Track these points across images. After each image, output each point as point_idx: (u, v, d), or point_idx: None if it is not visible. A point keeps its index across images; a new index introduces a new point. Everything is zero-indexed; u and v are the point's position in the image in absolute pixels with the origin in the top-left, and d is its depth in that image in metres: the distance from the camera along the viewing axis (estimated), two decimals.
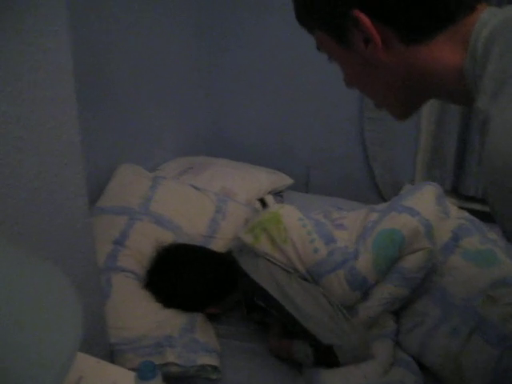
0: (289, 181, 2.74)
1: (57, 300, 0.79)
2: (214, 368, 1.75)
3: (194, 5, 2.82)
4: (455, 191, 2.75)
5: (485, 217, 1.93)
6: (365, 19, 0.89)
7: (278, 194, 2.69)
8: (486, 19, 0.86)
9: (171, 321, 1.83)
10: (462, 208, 2.11)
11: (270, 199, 2.56)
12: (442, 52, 0.90)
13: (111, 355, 1.73)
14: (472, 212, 2.09)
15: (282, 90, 2.90)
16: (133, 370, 1.20)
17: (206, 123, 3.09)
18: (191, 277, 1.90)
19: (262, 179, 2.59)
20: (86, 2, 2.10)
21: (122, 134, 2.43)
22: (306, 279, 1.80)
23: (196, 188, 2.33)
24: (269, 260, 1.80)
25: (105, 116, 2.31)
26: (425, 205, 1.86)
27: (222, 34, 2.92)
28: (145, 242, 2.01)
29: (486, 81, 0.81)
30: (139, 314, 1.83)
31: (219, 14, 2.88)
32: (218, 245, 2.13)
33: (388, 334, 1.77)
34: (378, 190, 2.87)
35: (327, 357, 1.67)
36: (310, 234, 1.85)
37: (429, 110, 2.62)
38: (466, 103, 0.92)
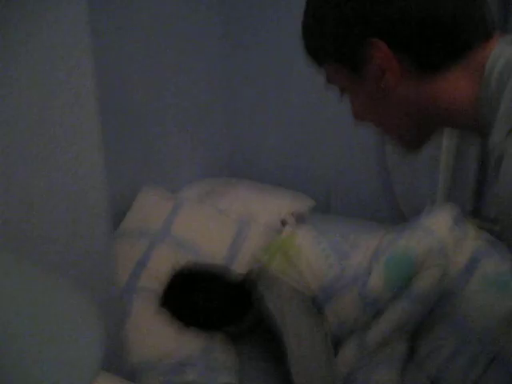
0: (310, 202, 2.74)
1: (78, 321, 0.81)
2: None
3: (217, 31, 2.88)
4: (477, 212, 2.74)
5: None
6: (384, 47, 0.89)
7: (300, 216, 2.70)
8: (501, 50, 0.86)
9: (192, 340, 1.85)
10: (483, 229, 2.09)
11: (291, 221, 2.57)
12: (457, 83, 0.89)
13: (132, 375, 1.75)
14: (494, 233, 2.07)
15: (302, 111, 2.92)
16: None
17: (226, 145, 3.11)
18: (208, 296, 1.91)
19: (283, 201, 2.60)
20: (109, 29, 2.15)
21: (144, 157, 2.47)
22: (316, 301, 1.80)
23: (217, 210, 2.36)
24: (282, 286, 1.81)
25: (127, 140, 2.35)
26: (440, 225, 1.86)
27: (242, 58, 2.95)
28: (166, 263, 2.03)
29: (501, 115, 0.80)
30: (160, 334, 1.84)
31: (240, 41, 2.93)
32: (239, 268, 2.14)
33: (397, 358, 1.75)
34: (400, 212, 2.87)
35: None
36: (325, 251, 1.87)
37: (449, 130, 2.61)
38: (480, 135, 0.92)
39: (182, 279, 1.97)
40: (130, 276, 1.98)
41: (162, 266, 2.03)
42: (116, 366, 1.66)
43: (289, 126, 2.99)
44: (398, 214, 2.88)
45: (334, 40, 0.96)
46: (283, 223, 2.52)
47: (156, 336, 1.84)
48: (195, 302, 1.91)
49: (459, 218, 2.00)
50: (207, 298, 1.91)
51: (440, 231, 1.83)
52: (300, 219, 2.67)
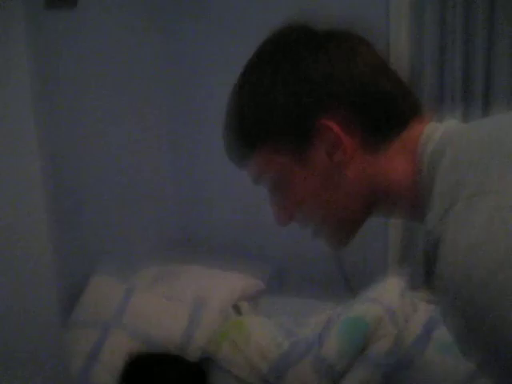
0: (261, 286, 2.74)
1: None
2: None
3: (163, 108, 2.94)
4: (430, 272, 2.76)
5: None
6: (335, 127, 0.86)
7: (252, 299, 2.69)
8: (431, 131, 0.87)
9: None
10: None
11: (244, 306, 2.56)
12: (397, 162, 0.89)
13: None
14: None
15: (251, 189, 2.94)
16: None
17: (177, 220, 3.12)
18: None
19: (235, 285, 2.59)
20: (55, 101, 2.17)
21: (93, 239, 2.45)
22: (267, 381, 1.79)
23: (169, 298, 2.34)
24: (230, 373, 1.80)
25: (76, 227, 2.33)
26: (388, 295, 1.90)
27: (191, 138, 3.00)
28: (119, 354, 1.99)
29: (434, 198, 0.79)
30: None
31: (188, 105, 2.99)
32: (193, 353, 2.10)
33: None
34: (351, 288, 2.88)
35: None
36: (272, 332, 1.88)
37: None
38: (420, 221, 0.87)
39: (135, 370, 1.93)
40: (82, 370, 1.92)
41: (115, 356, 1.99)
42: None
43: (238, 203, 3.01)
44: (349, 289, 2.90)
45: (278, 122, 0.91)
46: (236, 309, 2.51)
47: None
48: None
49: (408, 288, 2.03)
50: None
51: (388, 301, 1.86)
52: (256, 294, 2.66)
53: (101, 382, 1.92)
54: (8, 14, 1.23)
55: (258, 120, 0.92)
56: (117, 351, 2.01)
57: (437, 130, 0.86)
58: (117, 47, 2.53)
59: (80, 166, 2.35)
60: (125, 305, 2.20)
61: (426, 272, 0.83)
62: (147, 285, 2.51)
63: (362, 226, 1.00)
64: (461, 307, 0.70)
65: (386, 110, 0.88)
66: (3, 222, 1.26)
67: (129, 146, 2.66)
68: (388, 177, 0.89)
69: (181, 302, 2.32)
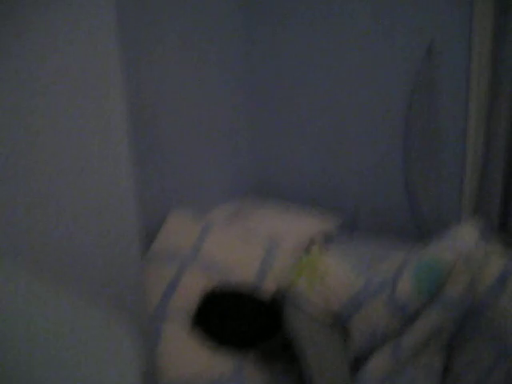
0: (337, 221, 2.75)
1: (117, 346, 0.83)
2: None
3: (241, 49, 2.93)
4: (503, 227, 2.72)
5: None
6: None
7: (327, 237, 2.71)
8: None
9: (221, 363, 1.86)
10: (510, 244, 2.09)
11: (315, 249, 2.58)
12: None
13: None
14: None
15: (328, 132, 2.94)
16: None
17: (253, 165, 3.14)
18: (234, 319, 1.93)
19: (311, 221, 2.62)
20: (136, 51, 2.20)
21: (171, 180, 2.51)
22: (343, 316, 1.82)
23: (245, 234, 2.39)
24: (304, 307, 1.83)
25: (154, 163, 2.40)
26: (463, 242, 1.88)
27: (267, 74, 2.99)
28: (195, 287, 2.06)
29: None
30: (189, 358, 1.86)
31: (264, 59, 2.97)
32: (268, 287, 2.16)
33: (434, 372, 1.74)
34: (425, 229, 2.87)
35: None
36: (347, 272, 1.91)
37: (473, 153, 2.62)
38: None
39: (212, 300, 1.99)
40: (161, 299, 2.01)
41: (193, 288, 2.05)
42: None
43: (315, 145, 3.01)
44: (423, 231, 2.89)
45: None
46: (312, 242, 2.53)
47: (188, 357, 1.86)
48: (226, 322, 1.93)
49: (485, 232, 2.00)
50: (238, 318, 1.93)
51: (464, 247, 1.84)
52: (328, 238, 2.68)
53: (178, 311, 2.00)
54: None
55: None
56: (193, 287, 2.07)
57: None
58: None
59: (160, 110, 2.40)
60: (203, 239, 2.26)
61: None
62: (223, 223, 2.56)
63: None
64: None
65: None
66: (88, 163, 1.30)
67: (207, 88, 2.69)
68: None
69: (255, 242, 2.36)
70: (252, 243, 2.34)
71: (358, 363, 1.82)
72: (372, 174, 2.93)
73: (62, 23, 1.19)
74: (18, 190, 1.15)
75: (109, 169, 1.36)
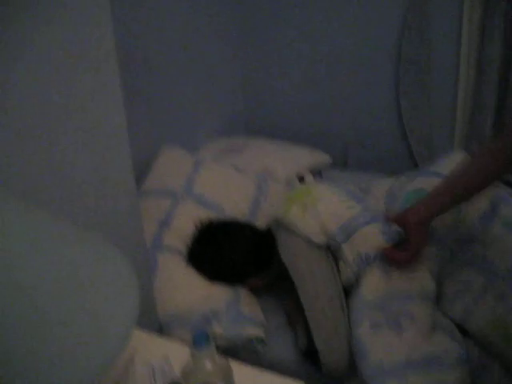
0: (327, 159, 2.76)
1: (114, 274, 0.83)
2: (260, 340, 1.81)
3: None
4: None
5: None
6: None
7: (317, 173, 2.72)
8: None
9: (216, 295, 1.89)
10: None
11: (309, 178, 2.59)
12: None
13: (160, 330, 1.80)
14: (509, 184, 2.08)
15: (318, 68, 2.92)
16: (183, 343, 1.26)
17: (242, 102, 3.14)
18: (229, 249, 1.94)
19: (301, 158, 2.62)
20: None
21: (162, 117, 2.49)
22: (333, 244, 1.83)
23: (237, 168, 2.39)
24: (296, 236, 1.85)
25: (145, 100, 2.38)
26: (452, 169, 1.88)
27: (257, 14, 2.95)
28: (189, 222, 2.06)
29: None
30: (185, 290, 1.89)
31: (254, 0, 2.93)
32: (260, 224, 2.17)
33: (428, 295, 1.76)
34: (416, 165, 2.89)
35: (313, 356, 1.69)
36: (341, 196, 1.91)
37: (464, 83, 2.62)
38: None
39: (205, 234, 2.00)
40: (155, 235, 2.02)
41: (186, 223, 2.06)
42: (145, 322, 1.70)
43: (305, 82, 3.00)
44: (414, 167, 2.90)
45: None
46: (301, 179, 2.55)
47: (182, 291, 1.88)
48: (219, 255, 1.94)
49: None
50: (231, 251, 1.94)
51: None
52: (317, 175, 2.69)
53: (172, 245, 2.01)
54: None
55: None
56: (187, 220, 2.08)
57: None
58: None
59: (151, 51, 2.38)
60: (195, 175, 2.26)
61: None
62: (215, 157, 2.56)
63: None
64: None
65: None
66: (80, 100, 1.29)
67: (197, 24, 2.65)
68: None
69: (246, 177, 2.37)
70: (243, 180, 2.35)
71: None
72: (363, 110, 2.92)
73: None
74: (11, 121, 1.14)
75: (100, 105, 1.35)
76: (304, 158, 2.64)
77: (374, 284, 1.75)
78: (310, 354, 1.73)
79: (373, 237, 1.79)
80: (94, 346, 0.73)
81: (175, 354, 1.22)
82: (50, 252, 0.77)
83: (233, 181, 2.31)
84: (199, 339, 0.91)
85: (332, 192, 1.93)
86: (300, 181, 2.55)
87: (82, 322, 0.74)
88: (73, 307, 0.74)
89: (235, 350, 1.79)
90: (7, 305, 0.67)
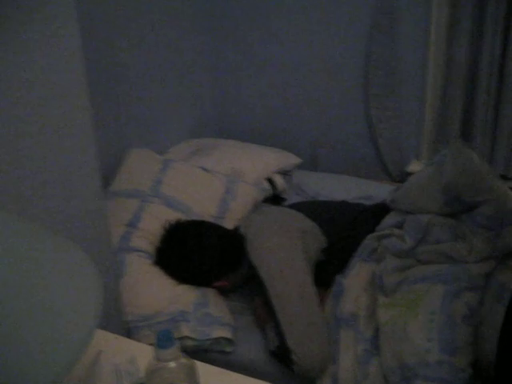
0: (296, 160, 2.76)
1: (77, 274, 0.82)
2: (228, 341, 1.80)
3: None
4: None
5: None
6: None
7: (286, 174, 2.73)
8: None
9: (184, 296, 1.88)
10: None
11: (278, 179, 2.60)
12: None
13: (128, 332, 1.79)
14: None
15: (287, 71, 2.93)
16: (150, 345, 1.25)
17: (212, 105, 3.13)
18: (197, 250, 1.93)
19: (270, 159, 2.62)
20: None
21: (130, 117, 2.48)
22: None
23: (205, 169, 2.37)
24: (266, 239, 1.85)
25: (114, 101, 2.36)
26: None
27: (226, 17, 2.95)
28: (156, 223, 2.05)
29: None
30: (153, 292, 1.88)
31: (223, 1, 2.92)
32: (228, 225, 2.17)
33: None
34: (385, 167, 2.91)
35: (285, 357, 1.69)
36: None
37: (433, 85, 2.64)
38: None
39: (173, 234, 1.99)
40: (122, 237, 2.01)
41: (154, 224, 2.05)
42: (112, 324, 1.69)
43: (274, 85, 3.00)
44: (383, 168, 2.92)
45: None
46: (270, 182, 2.55)
47: (150, 293, 1.87)
48: (187, 256, 1.93)
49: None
50: (198, 252, 1.93)
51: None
52: (287, 176, 2.70)
53: (140, 246, 2.00)
54: None
55: None
56: (155, 219, 2.07)
57: None
58: None
59: (118, 52, 2.36)
60: (162, 175, 2.25)
61: None
62: (184, 157, 2.55)
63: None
64: None
65: None
66: (45, 104, 1.28)
67: (167, 25, 2.65)
68: None
69: (215, 178, 2.36)
70: (211, 181, 2.33)
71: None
72: (333, 112, 2.93)
73: None
74: None
75: (66, 104, 1.34)
76: (273, 159, 2.64)
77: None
78: (280, 355, 1.73)
79: None
80: (53, 347, 0.71)
81: (141, 355, 1.21)
82: (6, 247, 0.76)
83: (201, 181, 2.31)
84: (163, 339, 0.90)
85: None
86: (269, 182, 2.55)
87: (40, 322, 0.72)
88: (27, 307, 0.73)
89: (204, 351, 1.79)
90: None
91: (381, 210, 1.92)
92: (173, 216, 2.09)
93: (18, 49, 1.19)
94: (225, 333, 1.79)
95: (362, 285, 1.79)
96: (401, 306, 1.66)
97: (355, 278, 1.79)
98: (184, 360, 0.94)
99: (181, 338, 1.75)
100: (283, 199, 2.59)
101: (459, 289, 1.60)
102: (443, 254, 1.68)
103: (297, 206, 2.08)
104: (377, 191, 2.46)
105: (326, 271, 1.87)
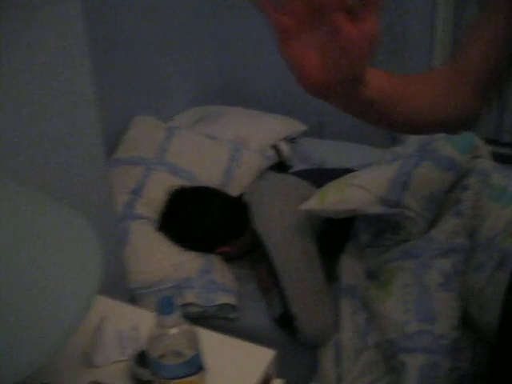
0: (302, 127, 2.74)
1: (78, 242, 0.82)
2: (233, 307, 1.82)
3: None
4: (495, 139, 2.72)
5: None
6: None
7: (291, 141, 2.71)
8: None
9: (189, 263, 1.89)
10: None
11: (283, 146, 2.58)
12: None
13: (132, 299, 1.80)
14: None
15: None
16: (154, 312, 1.26)
17: (216, 73, 3.09)
18: (200, 215, 1.94)
19: (275, 126, 2.60)
20: None
21: (135, 85, 2.45)
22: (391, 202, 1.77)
23: (210, 137, 2.36)
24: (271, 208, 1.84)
25: (118, 68, 2.34)
26: None
27: None
28: (161, 191, 2.05)
29: None
30: (157, 258, 1.88)
31: None
32: (233, 193, 2.16)
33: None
34: (390, 134, 2.88)
35: (289, 324, 1.70)
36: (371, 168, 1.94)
37: (440, 51, 2.61)
38: None
39: (176, 199, 1.99)
40: (126, 205, 2.01)
41: (158, 192, 2.05)
42: (116, 291, 1.70)
43: (279, 52, 2.96)
44: (389, 135, 2.90)
45: None
46: (276, 149, 2.53)
47: (154, 260, 1.88)
48: (190, 221, 1.94)
49: None
50: (202, 217, 1.94)
51: None
52: (292, 144, 2.68)
53: (144, 214, 2.01)
54: None
55: None
56: (159, 187, 2.07)
57: None
58: None
59: (121, 16, 2.33)
60: (167, 144, 2.24)
61: None
62: (189, 124, 2.53)
63: None
64: None
65: None
66: (46, 70, 1.27)
67: (171, 1, 2.62)
68: None
69: (220, 145, 2.35)
70: (216, 148, 2.33)
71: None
72: None
73: None
74: None
75: (67, 71, 1.33)
76: (278, 126, 2.62)
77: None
78: (283, 322, 1.74)
79: (429, 172, 1.77)
80: (51, 314, 0.71)
81: (145, 322, 1.21)
82: (9, 213, 0.76)
83: (206, 149, 2.29)
84: (164, 305, 0.90)
85: (360, 171, 1.90)
86: (274, 149, 2.53)
87: (38, 288, 0.72)
88: (29, 274, 0.72)
89: (208, 318, 1.80)
90: None
91: None
92: (177, 183, 2.08)
93: (21, 14, 1.17)
94: (229, 299, 1.80)
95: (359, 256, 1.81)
96: (376, 287, 1.69)
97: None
98: (185, 326, 0.94)
99: (185, 305, 1.76)
100: (288, 167, 2.58)
101: (428, 258, 1.61)
102: None
103: (302, 174, 2.07)
104: None
105: (331, 240, 1.87)
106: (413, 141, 2.07)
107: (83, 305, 0.75)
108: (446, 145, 1.84)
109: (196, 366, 0.96)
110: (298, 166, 2.52)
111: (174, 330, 0.92)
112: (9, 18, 1.16)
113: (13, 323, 0.67)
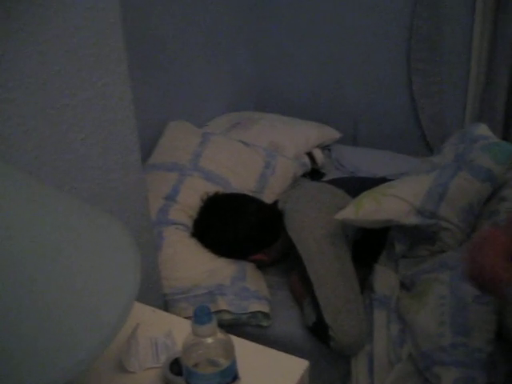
0: (337, 134, 2.73)
1: (116, 248, 0.82)
2: (265, 315, 1.80)
3: None
4: (505, 138, 2.70)
5: None
6: None
7: (326, 148, 2.70)
8: None
9: (222, 270, 1.88)
10: None
11: (318, 153, 2.58)
12: None
13: (165, 305, 1.80)
14: None
15: (331, 43, 2.89)
16: (187, 318, 1.25)
17: (253, 78, 3.10)
18: (234, 222, 1.93)
19: (310, 133, 2.60)
20: None
21: (170, 90, 2.47)
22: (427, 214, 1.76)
23: (245, 143, 2.36)
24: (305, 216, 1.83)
25: (153, 73, 2.35)
26: None
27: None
28: (195, 197, 2.05)
29: None
30: (191, 265, 1.88)
31: None
32: (267, 200, 2.16)
33: None
34: (426, 143, 2.86)
35: (322, 332, 1.69)
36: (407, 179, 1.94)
37: (477, 60, 2.58)
38: None
39: (211, 206, 1.99)
40: (160, 210, 2.01)
41: (192, 198, 2.05)
42: (150, 297, 1.70)
43: (316, 58, 2.96)
44: (424, 144, 2.88)
45: None
46: (310, 156, 2.53)
47: (188, 266, 1.88)
48: (224, 228, 1.93)
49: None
50: (236, 224, 1.93)
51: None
52: (326, 150, 2.68)
53: (178, 219, 2.00)
54: None
55: None
56: (194, 193, 2.07)
57: None
58: None
59: (160, 24, 2.35)
60: (201, 150, 2.24)
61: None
62: (223, 130, 2.54)
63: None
64: None
65: None
66: (84, 76, 1.28)
67: (208, 7, 2.63)
68: None
69: (256, 148, 2.34)
70: (251, 155, 2.32)
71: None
72: (374, 88, 2.89)
73: None
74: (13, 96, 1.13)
75: (105, 76, 1.33)
76: (313, 133, 2.61)
77: None
78: (317, 331, 1.73)
79: (466, 183, 1.77)
80: (88, 325, 0.71)
81: (178, 328, 1.22)
82: (49, 219, 0.76)
83: (240, 155, 2.29)
84: (200, 314, 0.90)
85: (396, 181, 1.89)
86: (309, 156, 2.53)
87: (76, 297, 0.72)
88: (69, 280, 0.72)
89: (240, 326, 1.79)
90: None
91: None
92: (211, 190, 2.08)
93: (58, 21, 1.18)
94: (262, 307, 1.79)
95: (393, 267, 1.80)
96: (411, 298, 1.68)
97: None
98: (221, 335, 0.94)
99: (217, 312, 1.75)
100: (322, 174, 2.57)
101: None
102: None
103: (336, 182, 2.06)
104: None
105: (365, 249, 1.86)
106: (449, 151, 2.05)
107: (121, 313, 0.75)
108: (483, 155, 1.83)
109: (231, 375, 0.95)
110: (332, 174, 2.52)
111: (209, 340, 0.92)
112: (48, 25, 1.16)
113: (53, 330, 0.67)
